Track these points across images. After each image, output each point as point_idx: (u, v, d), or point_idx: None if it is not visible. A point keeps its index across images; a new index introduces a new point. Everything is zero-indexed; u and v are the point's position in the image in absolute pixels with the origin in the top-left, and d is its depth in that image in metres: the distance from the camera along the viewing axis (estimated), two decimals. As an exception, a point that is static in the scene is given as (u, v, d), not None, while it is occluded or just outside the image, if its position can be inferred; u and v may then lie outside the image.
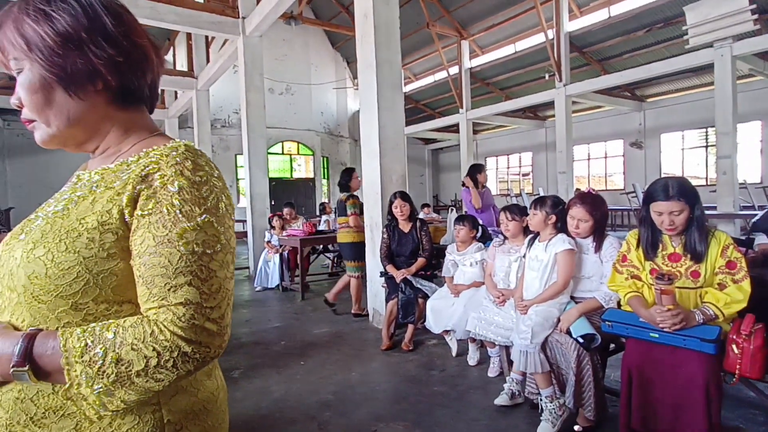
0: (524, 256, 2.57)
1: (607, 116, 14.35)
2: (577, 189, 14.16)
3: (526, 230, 2.79)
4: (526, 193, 14.38)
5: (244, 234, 7.37)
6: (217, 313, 0.64)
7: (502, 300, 2.71)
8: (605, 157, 15.02)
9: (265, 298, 5.61)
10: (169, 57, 12.51)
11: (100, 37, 0.67)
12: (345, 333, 4.04)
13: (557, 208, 2.45)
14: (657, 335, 1.86)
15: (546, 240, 2.44)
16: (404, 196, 3.72)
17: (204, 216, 0.64)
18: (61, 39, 0.65)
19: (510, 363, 2.70)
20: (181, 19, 6.72)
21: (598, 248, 2.34)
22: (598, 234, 2.35)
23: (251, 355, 3.55)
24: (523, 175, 18.07)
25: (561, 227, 2.43)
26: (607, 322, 2.04)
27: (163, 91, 12.43)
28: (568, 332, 2.19)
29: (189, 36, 10.20)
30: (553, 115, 12.06)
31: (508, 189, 17.30)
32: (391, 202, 3.74)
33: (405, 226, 3.73)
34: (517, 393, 2.53)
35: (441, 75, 15.30)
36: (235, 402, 2.69)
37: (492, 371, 2.93)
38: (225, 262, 0.66)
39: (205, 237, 0.64)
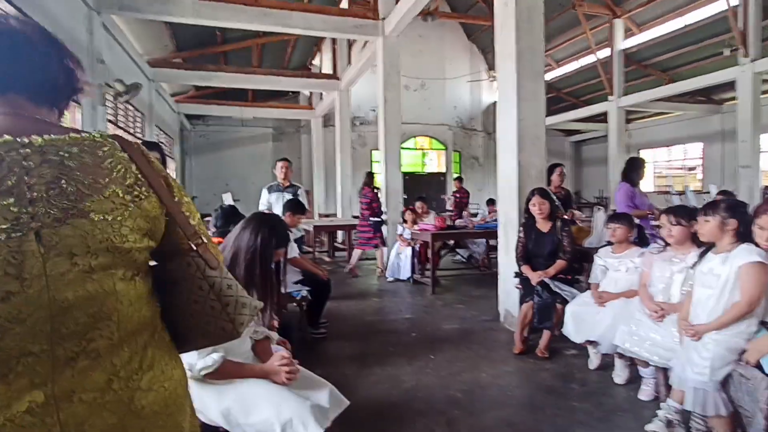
0: (692, 268, 2.20)
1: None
2: (766, 186, 11.67)
3: (694, 236, 2.37)
4: (692, 191, 12.32)
5: (379, 226, 7.72)
6: None
7: (660, 315, 2.36)
8: (808, 147, 12.04)
9: (397, 289, 5.81)
10: (316, 61, 13.67)
11: None
12: (475, 332, 3.97)
13: (736, 212, 2.04)
14: None
15: (725, 251, 2.05)
16: (543, 194, 3.48)
17: None
18: None
19: (668, 387, 2.35)
20: (328, 26, 7.28)
21: (801, 265, 1.88)
22: (802, 246, 1.89)
23: (384, 342, 3.71)
24: (689, 169, 15.52)
25: (744, 235, 2.01)
26: (811, 356, 1.64)
27: (311, 93, 13.67)
28: (758, 366, 1.82)
29: (333, 41, 11.00)
30: (733, 98, 10.07)
31: (668, 186, 15.04)
32: (528, 200, 3.53)
33: (544, 226, 3.49)
34: (675, 422, 2.19)
35: (587, 60, 13.92)
36: (368, 386, 2.85)
37: (644, 394, 2.58)
38: None
39: None
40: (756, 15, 8.87)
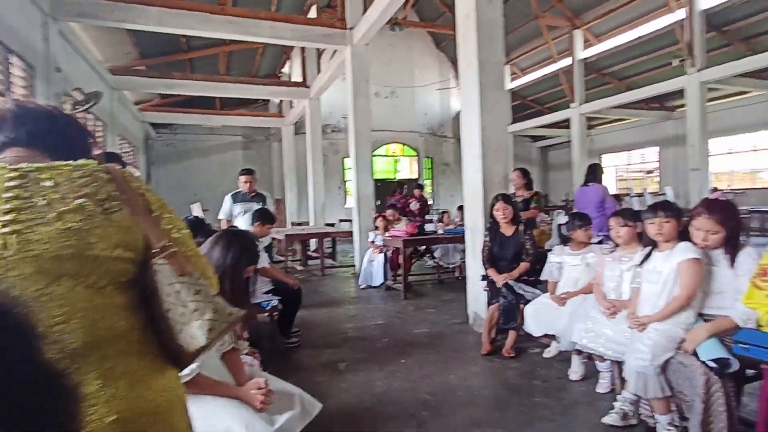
0: (639, 266, 2.36)
1: (756, 103, 12.24)
2: (715, 188, 12.34)
3: (640, 237, 2.54)
4: (650, 193, 12.91)
5: (350, 233, 7.76)
6: None
7: (612, 312, 2.51)
8: (753, 151, 12.86)
9: (369, 295, 5.86)
10: (285, 69, 13.66)
11: None
12: (445, 335, 4.06)
13: (679, 213, 2.22)
14: (809, 365, 1.59)
15: (667, 249, 2.21)
16: (506, 199, 3.63)
17: None
18: None
19: (622, 380, 2.50)
20: (295, 35, 7.32)
21: (732, 262, 2.06)
22: (732, 245, 2.07)
23: (356, 349, 3.75)
24: (647, 172, 16.27)
25: (683, 234, 2.19)
26: (741, 344, 1.80)
27: (281, 101, 13.63)
28: (695, 354, 1.98)
29: (303, 49, 11.03)
30: (684, 105, 10.67)
31: (628, 188, 15.70)
32: (492, 205, 3.67)
33: (507, 230, 3.64)
34: (630, 413, 2.33)
35: (550, 68, 14.46)
36: (340, 392, 2.89)
37: (601, 387, 2.73)
38: None
39: None
40: (700, 28, 9.47)
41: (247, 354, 2.15)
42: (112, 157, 2.83)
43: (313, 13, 10.24)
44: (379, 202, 11.25)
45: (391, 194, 8.77)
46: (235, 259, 1.73)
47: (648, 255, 2.30)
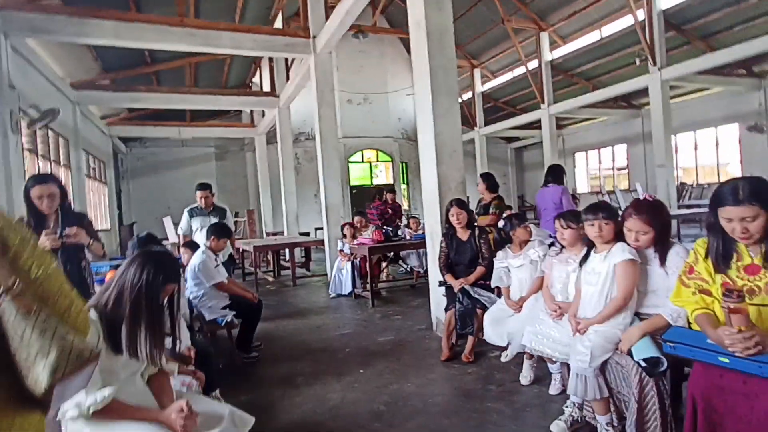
0: (580, 267, 2.37)
1: (718, 99, 12.63)
2: (683, 183, 12.63)
3: (585, 237, 2.56)
4: (621, 190, 13.17)
5: (322, 242, 7.69)
6: None
7: (559, 313, 2.52)
8: (716, 145, 13.24)
9: (338, 304, 5.81)
10: (255, 79, 13.55)
11: None
12: (408, 342, 4.04)
13: (617, 215, 2.24)
14: (728, 360, 1.60)
15: (604, 250, 2.23)
16: (461, 204, 3.63)
17: None
18: None
19: (572, 381, 2.51)
20: (258, 45, 7.26)
21: (662, 261, 2.09)
22: (661, 244, 2.09)
23: (317, 361, 3.70)
24: (618, 169, 16.59)
25: (619, 235, 2.21)
26: (669, 343, 1.81)
27: (252, 111, 13.51)
28: (630, 353, 1.99)
29: (271, 59, 10.97)
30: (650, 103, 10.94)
31: (600, 186, 15.98)
32: (447, 210, 3.67)
33: (463, 234, 3.64)
34: (579, 419, 2.33)
35: (520, 70, 14.67)
36: (293, 407, 2.83)
37: (553, 388, 2.74)
38: None
39: None
40: (659, 28, 9.72)
41: (180, 373, 2.08)
42: (45, 179, 2.73)
43: (279, 23, 10.20)
44: (356, 210, 11.16)
45: (371, 200, 8.60)
46: (150, 278, 1.68)
47: (586, 256, 2.31)
